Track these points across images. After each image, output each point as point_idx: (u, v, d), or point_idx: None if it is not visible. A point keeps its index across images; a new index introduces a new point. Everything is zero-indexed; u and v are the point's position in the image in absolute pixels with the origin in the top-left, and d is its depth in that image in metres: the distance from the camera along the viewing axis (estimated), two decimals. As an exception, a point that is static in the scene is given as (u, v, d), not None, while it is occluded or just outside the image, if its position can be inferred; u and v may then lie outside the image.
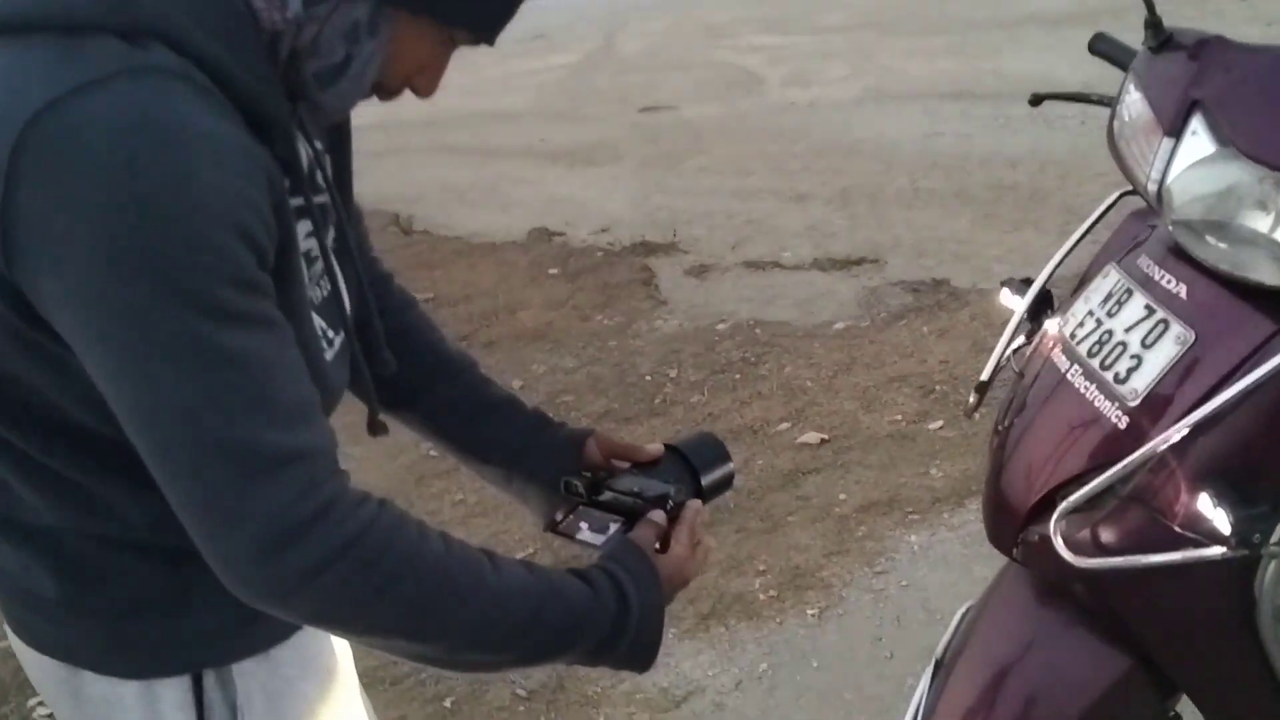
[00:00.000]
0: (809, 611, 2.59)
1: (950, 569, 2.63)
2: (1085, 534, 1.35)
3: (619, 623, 1.00)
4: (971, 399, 1.63)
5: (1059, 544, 1.31)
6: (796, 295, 4.67)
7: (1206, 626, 1.37)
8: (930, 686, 1.57)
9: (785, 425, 3.52)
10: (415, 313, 1.31)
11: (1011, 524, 1.46)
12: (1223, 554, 1.25)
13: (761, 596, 2.68)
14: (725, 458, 1.29)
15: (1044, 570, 1.46)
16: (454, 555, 0.93)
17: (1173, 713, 1.56)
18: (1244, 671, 1.38)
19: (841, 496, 3.03)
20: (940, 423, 3.31)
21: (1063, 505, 1.31)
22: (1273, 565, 1.28)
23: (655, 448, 1.26)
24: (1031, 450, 1.46)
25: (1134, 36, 1.49)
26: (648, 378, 4.09)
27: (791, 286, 4.78)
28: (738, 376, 3.99)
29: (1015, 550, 1.48)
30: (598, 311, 4.81)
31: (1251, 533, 1.23)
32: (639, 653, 1.04)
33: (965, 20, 9.38)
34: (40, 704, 2.44)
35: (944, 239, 5.00)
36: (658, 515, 1.13)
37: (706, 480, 1.25)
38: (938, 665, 1.58)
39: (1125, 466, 1.28)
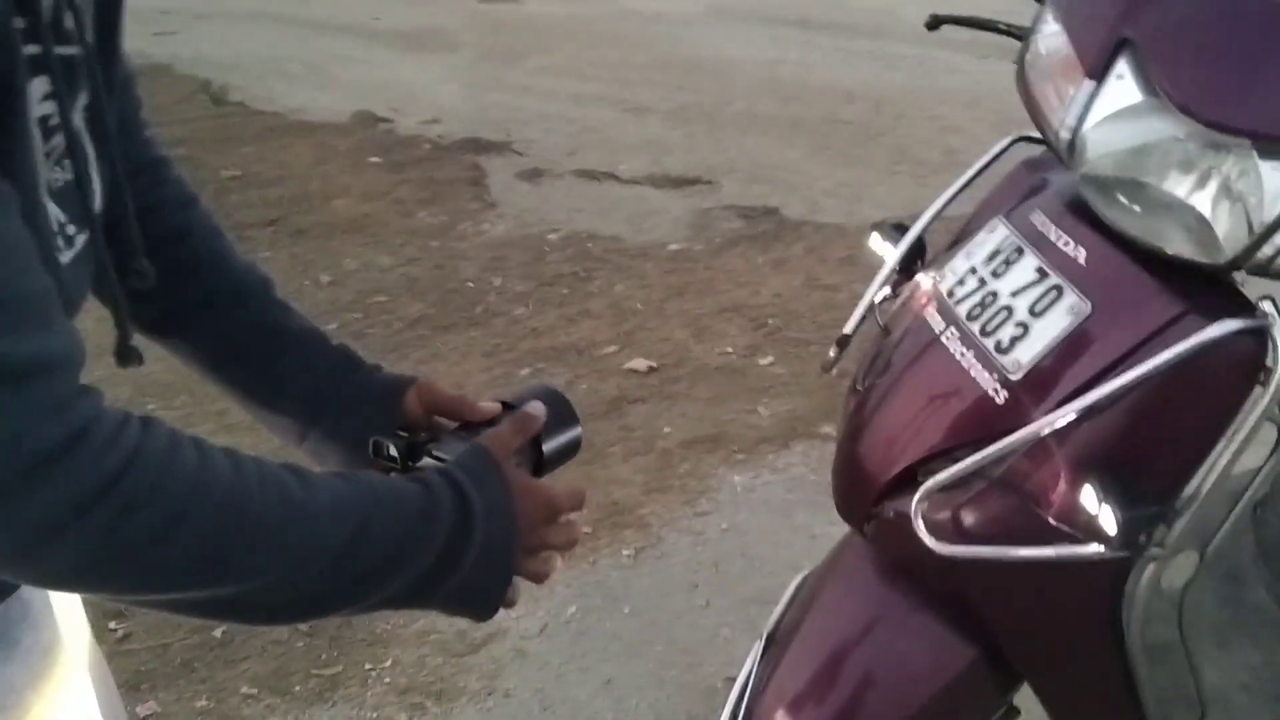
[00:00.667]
0: (624, 552, 2.44)
1: (772, 514, 2.52)
2: (947, 516, 1.21)
3: (458, 534, 0.80)
4: (831, 353, 1.47)
5: (919, 526, 1.16)
6: (630, 210, 4.49)
7: (1069, 624, 1.26)
8: (761, 662, 1.42)
9: (613, 349, 3.34)
10: (196, 213, 1.01)
11: (864, 497, 1.31)
12: (1100, 553, 1.12)
13: (575, 533, 2.50)
14: (572, 420, 1.04)
15: (896, 550, 1.32)
16: (247, 478, 0.71)
17: (1011, 704, 1.46)
18: (1101, 671, 1.28)
19: (666, 429, 2.88)
20: (771, 358, 3.19)
21: (927, 484, 1.17)
22: (1150, 568, 1.17)
23: (490, 406, 1.00)
24: (894, 418, 1.31)
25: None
26: (470, 284, 3.84)
27: (626, 201, 4.60)
28: (566, 291, 3.79)
29: (866, 525, 1.33)
30: (421, 208, 4.52)
31: (1137, 534, 1.11)
32: (482, 581, 0.84)
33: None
34: None
35: (777, 166, 4.93)
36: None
37: (549, 447, 1.00)
38: (769, 640, 1.44)
39: (1002, 448, 1.14)
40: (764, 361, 3.18)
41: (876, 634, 1.36)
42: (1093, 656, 1.27)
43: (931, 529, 1.17)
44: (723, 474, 2.69)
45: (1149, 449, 1.14)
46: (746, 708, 1.37)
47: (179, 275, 0.96)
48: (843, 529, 1.44)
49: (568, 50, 7.06)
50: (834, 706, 1.33)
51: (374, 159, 5.06)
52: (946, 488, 1.19)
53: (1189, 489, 1.13)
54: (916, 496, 1.17)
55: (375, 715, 2.03)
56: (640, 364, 3.21)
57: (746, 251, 4.08)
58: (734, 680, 1.99)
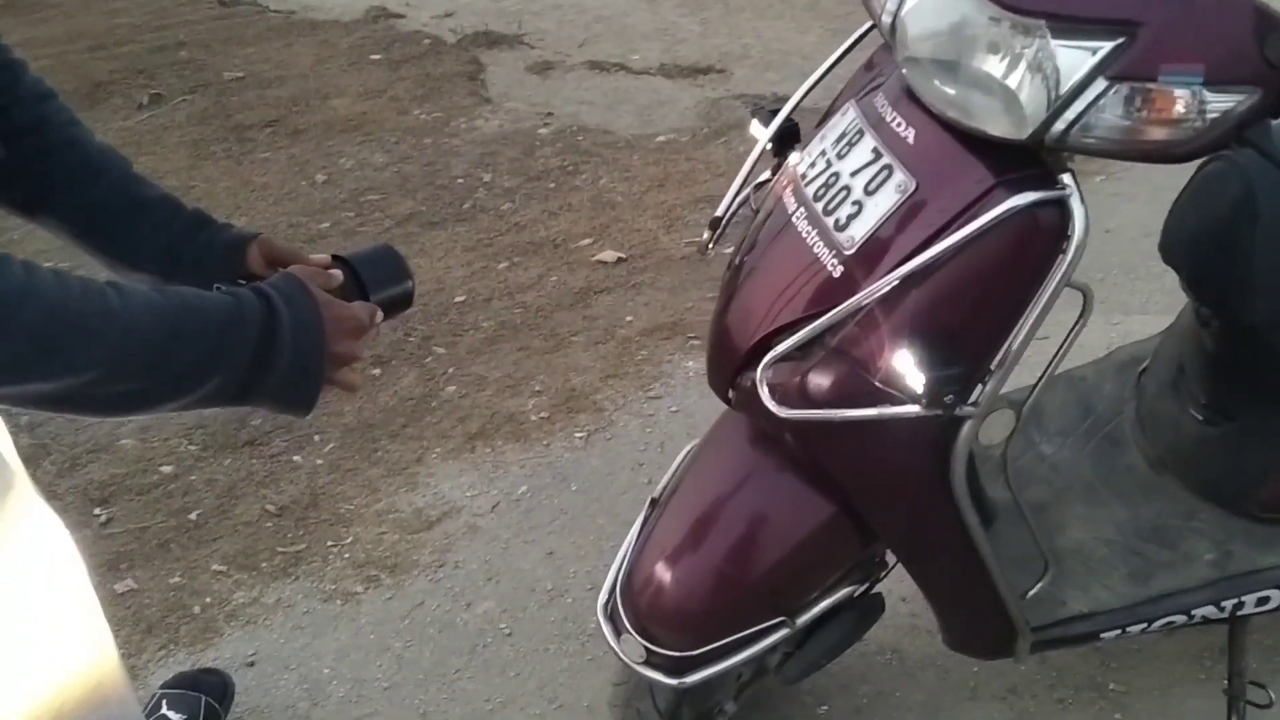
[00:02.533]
0: (577, 434, 2.56)
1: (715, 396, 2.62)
2: (792, 384, 1.31)
3: (267, 336, 0.95)
4: (705, 235, 1.55)
5: (764, 392, 1.26)
6: (640, 102, 4.50)
7: (902, 480, 1.35)
8: (644, 523, 1.54)
9: (587, 241, 3.42)
10: (52, 105, 1.14)
11: (727, 368, 1.41)
12: (917, 413, 1.22)
13: (533, 418, 2.63)
14: (402, 275, 1.19)
15: (754, 417, 1.42)
16: (70, 288, 0.85)
17: (878, 558, 1.57)
18: (935, 523, 1.38)
19: (629, 319, 2.98)
20: (732, 248, 3.25)
21: (769, 355, 1.27)
22: (966, 425, 1.26)
23: (322, 258, 1.15)
24: (753, 294, 1.41)
25: None
26: (460, 180, 3.91)
27: (636, 92, 4.60)
28: (552, 186, 3.85)
29: (730, 395, 1.43)
30: (416, 105, 4.57)
31: (944, 394, 1.20)
32: (297, 380, 0.98)
33: None
34: None
35: (790, 52, 4.88)
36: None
37: (376, 298, 1.15)
38: (654, 503, 1.55)
39: (832, 317, 1.23)
40: (728, 250, 3.25)
41: (743, 492, 1.47)
42: (927, 510, 1.37)
43: (777, 395, 1.28)
44: (677, 359, 2.79)
45: (963, 315, 1.22)
46: (629, 562, 1.49)
47: (40, 160, 1.09)
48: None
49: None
50: (704, 557, 1.45)
51: (374, 56, 5.08)
52: (790, 357, 1.28)
53: (1003, 350, 1.22)
54: (761, 365, 1.26)
55: (334, 588, 2.18)
56: (609, 255, 3.29)
57: (730, 141, 4.10)
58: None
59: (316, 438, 2.58)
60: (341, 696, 1.96)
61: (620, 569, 1.51)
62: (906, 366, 1.21)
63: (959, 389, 1.21)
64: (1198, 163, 1.48)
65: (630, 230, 3.47)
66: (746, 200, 1.54)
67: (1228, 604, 1.56)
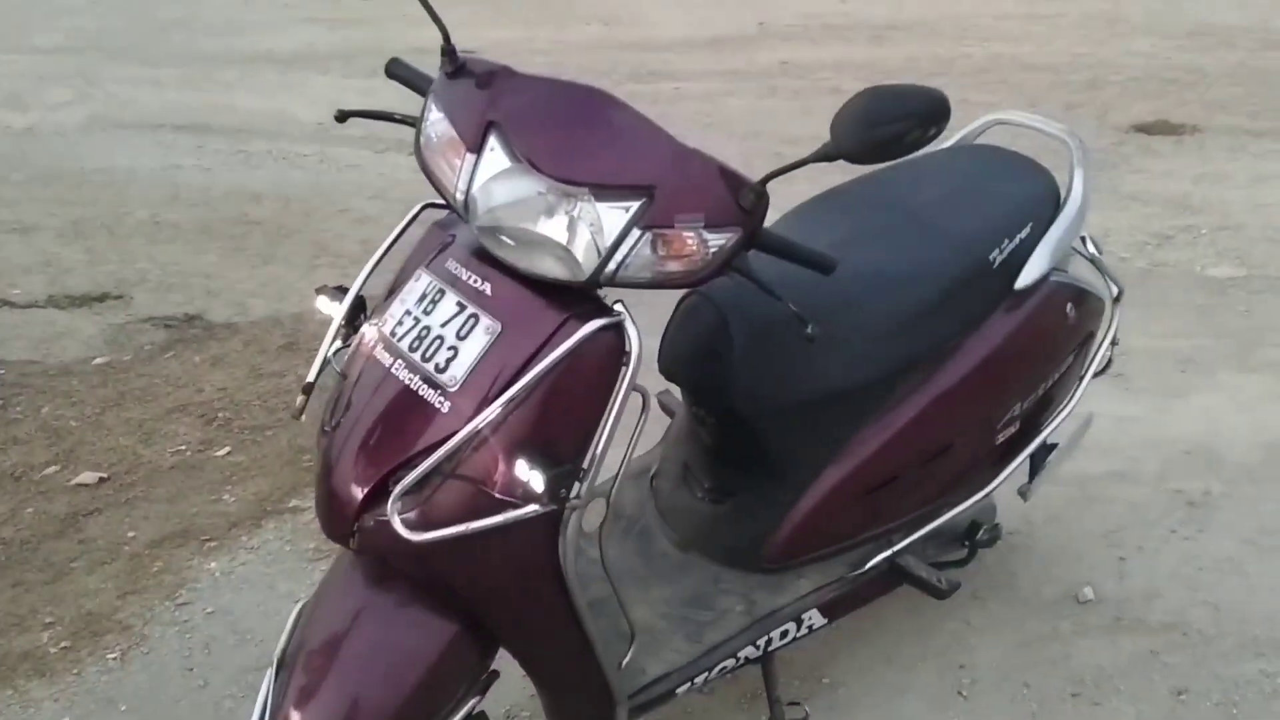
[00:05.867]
0: (109, 656, 2.43)
1: (255, 589, 2.63)
2: (419, 512, 1.48)
3: None
4: (298, 400, 1.68)
5: (396, 523, 1.42)
6: (35, 335, 4.24)
7: (523, 576, 1.57)
8: (274, 685, 1.59)
9: (54, 469, 3.23)
10: None
11: (346, 514, 1.54)
12: (535, 510, 1.46)
13: (53, 650, 2.45)
14: None
15: (382, 553, 1.55)
16: None
17: (492, 669, 1.75)
18: (549, 612, 1.61)
19: (130, 534, 2.87)
20: (228, 448, 3.28)
21: (398, 488, 1.44)
22: (573, 518, 1.52)
23: None
24: (363, 442, 1.55)
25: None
26: None
27: (26, 326, 4.32)
28: (-14, 422, 3.57)
29: (352, 540, 1.55)
30: None
31: (559, 488, 1.45)
32: None
33: (194, 53, 9.18)
34: None
35: (192, 273, 4.84)
36: None
37: None
38: (280, 664, 1.61)
39: (450, 447, 1.44)
40: (221, 453, 3.26)
41: (369, 630, 1.59)
42: (545, 605, 1.61)
43: (406, 524, 1.44)
44: (198, 564, 2.75)
45: (557, 424, 1.49)
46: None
47: None
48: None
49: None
50: (337, 702, 1.53)
51: None
52: (414, 489, 1.46)
53: (593, 449, 1.50)
54: (391, 498, 1.43)
55: None
56: (89, 477, 3.15)
57: (181, 354, 4.08)
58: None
59: None
60: None
61: (261, 725, 1.54)
62: (525, 473, 1.45)
63: (568, 485, 1.47)
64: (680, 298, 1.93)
65: (102, 450, 3.34)
66: (328, 364, 1.69)
67: (761, 642, 1.95)
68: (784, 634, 1.98)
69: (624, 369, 1.49)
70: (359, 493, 1.52)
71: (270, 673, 1.61)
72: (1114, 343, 2.26)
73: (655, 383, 1.81)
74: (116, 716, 2.25)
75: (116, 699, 2.30)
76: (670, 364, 1.95)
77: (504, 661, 1.76)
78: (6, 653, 2.43)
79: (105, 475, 3.17)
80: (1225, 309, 3.81)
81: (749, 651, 1.94)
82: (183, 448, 3.32)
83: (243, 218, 5.56)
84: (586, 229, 1.46)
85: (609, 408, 1.50)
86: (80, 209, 5.70)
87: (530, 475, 1.44)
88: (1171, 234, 4.46)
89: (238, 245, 5.18)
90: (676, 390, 2.22)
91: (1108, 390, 3.21)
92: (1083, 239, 2.21)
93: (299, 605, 1.70)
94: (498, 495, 1.47)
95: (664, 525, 2.12)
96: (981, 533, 2.21)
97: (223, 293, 4.58)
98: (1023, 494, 2.28)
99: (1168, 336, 3.60)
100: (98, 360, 4.04)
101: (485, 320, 1.50)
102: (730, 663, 1.92)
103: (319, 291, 1.76)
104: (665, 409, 2.38)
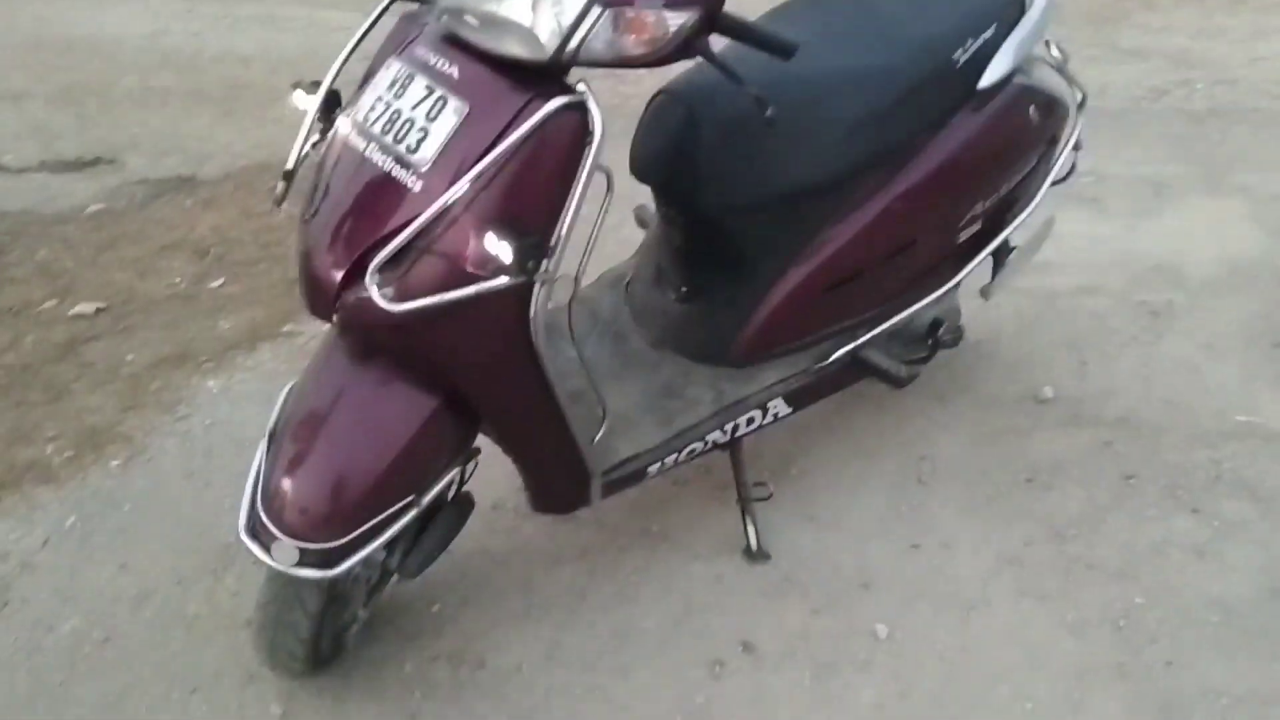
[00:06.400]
0: (112, 464, 2.54)
1: (253, 403, 2.74)
2: (396, 285, 1.55)
3: None
4: (279, 187, 1.75)
5: (375, 294, 1.50)
6: (31, 199, 4.25)
7: (496, 351, 1.66)
8: (266, 456, 1.69)
9: (52, 303, 3.31)
10: None
11: (328, 292, 1.61)
12: (506, 282, 1.54)
13: (56, 460, 2.56)
14: None
15: (363, 327, 1.64)
16: None
17: (474, 447, 1.86)
18: (522, 385, 1.71)
19: (129, 357, 2.97)
20: (221, 280, 3.36)
21: (374, 262, 1.51)
22: (542, 291, 1.60)
23: None
24: (342, 223, 1.62)
25: None
26: None
27: (22, 191, 4.33)
28: (-21, 267, 3.64)
29: (335, 316, 1.64)
30: None
31: (527, 260, 1.53)
32: None
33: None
34: None
35: (185, 136, 4.83)
36: None
37: None
38: (271, 437, 1.71)
39: (422, 222, 1.51)
40: (215, 284, 3.34)
41: (351, 404, 1.69)
42: (520, 377, 1.70)
43: (384, 297, 1.52)
44: (196, 382, 2.85)
45: (525, 200, 1.56)
46: (264, 483, 1.64)
47: None
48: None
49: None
50: (334, 460, 1.65)
51: None
52: (391, 264, 1.54)
53: (559, 226, 1.57)
54: (369, 272, 1.50)
55: (-118, 654, 2.02)
56: (86, 308, 3.23)
57: (173, 199, 4.13)
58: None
59: None
60: (-65, 742, 1.85)
61: (255, 492, 1.66)
62: (494, 246, 1.52)
63: (536, 255, 1.55)
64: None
65: (98, 286, 3.42)
66: (306, 157, 1.76)
67: (729, 427, 2.05)
68: (750, 421, 2.08)
69: (588, 147, 1.56)
70: (339, 271, 1.59)
71: (263, 445, 1.71)
72: (1076, 148, 2.31)
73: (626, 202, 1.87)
74: (121, 516, 2.37)
75: (120, 500, 2.42)
76: (641, 164, 2.01)
77: (490, 454, 1.88)
78: (11, 464, 2.55)
79: (103, 306, 3.25)
80: (1201, 138, 3.85)
81: (717, 436, 2.05)
82: (178, 280, 3.40)
83: (232, 82, 5.53)
84: (548, 8, 1.50)
85: (574, 184, 1.57)
86: (69, 75, 5.66)
87: (499, 248, 1.51)
88: (1168, 88, 4.45)
89: (228, 110, 5.16)
90: (652, 206, 2.29)
91: (1081, 211, 3.28)
92: (1047, 44, 2.25)
93: (288, 386, 1.79)
94: (470, 269, 1.55)
95: (638, 326, 2.21)
96: (943, 330, 2.29)
97: (216, 155, 4.57)
98: (984, 293, 2.36)
99: (1143, 163, 3.64)
100: (91, 208, 4.08)
101: (454, 101, 1.55)
102: (699, 445, 2.03)
103: (294, 86, 1.81)
104: (640, 222, 2.45)
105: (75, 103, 5.29)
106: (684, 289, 2.13)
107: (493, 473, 1.97)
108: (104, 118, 5.10)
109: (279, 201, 1.76)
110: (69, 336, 3.09)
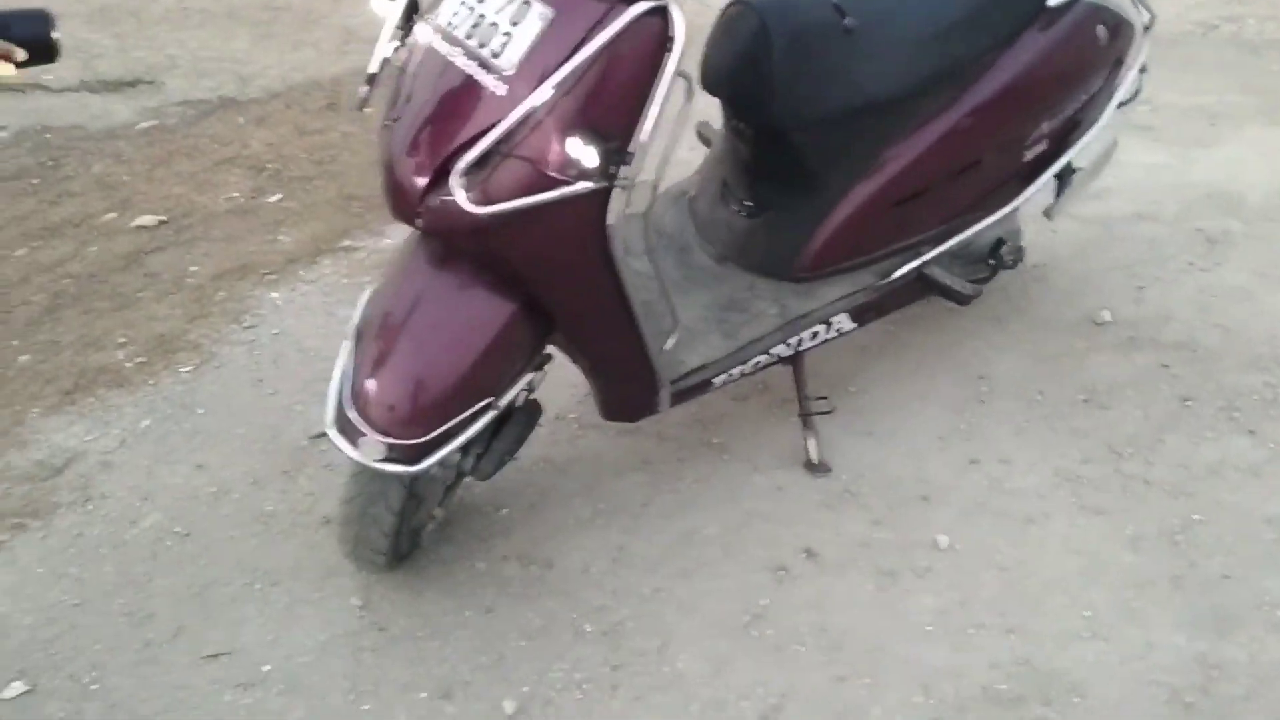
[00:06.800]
0: (183, 370, 2.61)
1: (316, 315, 2.79)
2: (480, 190, 1.59)
3: None
4: (362, 91, 1.77)
5: (460, 197, 1.53)
6: (73, 118, 4.29)
7: (574, 256, 1.70)
8: (352, 354, 1.74)
9: (112, 215, 3.37)
10: None
11: (412, 196, 1.65)
12: (587, 187, 1.57)
13: (128, 365, 2.63)
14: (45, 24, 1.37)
15: (446, 231, 1.67)
16: None
17: (546, 351, 1.90)
18: (602, 295, 1.75)
19: (193, 268, 3.03)
20: (279, 195, 3.40)
21: (460, 164, 1.54)
22: (621, 196, 1.63)
23: None
24: (425, 128, 1.65)
25: None
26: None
27: (64, 109, 4.35)
28: (37, 181, 3.68)
29: (418, 220, 1.67)
30: None
31: (610, 165, 1.56)
32: None
33: None
34: None
35: (222, 59, 4.82)
36: None
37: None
38: (357, 336, 1.75)
39: (506, 127, 1.53)
40: (273, 199, 3.39)
41: (433, 307, 1.73)
42: (596, 282, 1.74)
43: (470, 201, 1.55)
44: (260, 294, 2.91)
45: (607, 106, 1.58)
46: (352, 381, 1.69)
47: None
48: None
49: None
50: (419, 361, 1.69)
51: None
52: (475, 168, 1.57)
53: (639, 132, 1.60)
54: (454, 174, 1.54)
55: (-26, 544, 2.10)
56: (148, 219, 3.29)
57: (224, 116, 4.16)
58: (316, 437, 2.31)
59: (-112, 422, 2.40)
60: (30, 624, 1.93)
61: (341, 390, 1.71)
62: (578, 150, 1.55)
63: (617, 164, 1.58)
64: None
65: (156, 199, 3.47)
66: (387, 63, 1.78)
67: (793, 341, 2.09)
68: (814, 335, 2.12)
69: (669, 53, 1.58)
70: (423, 175, 1.63)
71: (346, 346, 1.76)
72: (1142, 70, 2.30)
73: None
74: (194, 419, 2.44)
75: (193, 404, 2.49)
76: (711, 76, 2.03)
77: (553, 367, 1.92)
78: (84, 368, 2.62)
79: (164, 218, 3.30)
80: (1258, 70, 3.80)
81: (781, 350, 2.08)
82: (235, 195, 3.44)
83: (270, 3, 5.51)
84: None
85: (655, 90, 1.59)
86: (105, -4, 5.65)
87: (583, 153, 1.54)
88: (1217, 23, 4.39)
89: (266, 31, 5.16)
90: (715, 122, 2.30)
91: (1136, 139, 3.27)
92: (1115, -36, 2.24)
93: (369, 289, 1.83)
94: (552, 173, 1.58)
95: (702, 241, 2.24)
96: (1005, 249, 2.31)
97: (254, 77, 4.57)
98: (1048, 214, 2.37)
99: (1198, 92, 3.62)
100: (142, 125, 4.12)
101: (538, 6, 1.57)
102: (763, 359, 2.07)
103: (373, -10, 1.83)
104: (703, 139, 2.47)
105: (112, 23, 5.31)
106: (749, 204, 2.15)
107: (555, 385, 2.01)
108: (141, 39, 5.11)
109: (361, 106, 1.79)
110: (133, 247, 3.15)
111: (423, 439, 1.67)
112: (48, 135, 4.05)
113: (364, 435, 1.66)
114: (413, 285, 1.76)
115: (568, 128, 1.55)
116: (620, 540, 2.06)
